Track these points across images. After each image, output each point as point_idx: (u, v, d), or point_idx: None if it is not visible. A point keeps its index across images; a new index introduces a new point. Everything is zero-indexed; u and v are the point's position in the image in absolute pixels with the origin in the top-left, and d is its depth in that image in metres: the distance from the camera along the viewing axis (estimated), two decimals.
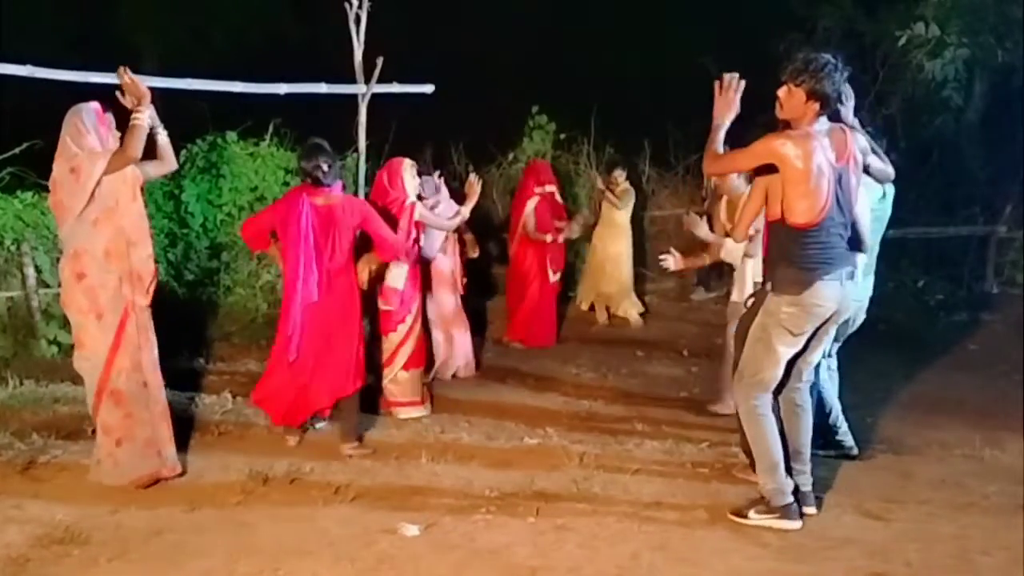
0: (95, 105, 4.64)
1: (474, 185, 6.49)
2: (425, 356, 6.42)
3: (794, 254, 4.17)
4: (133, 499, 4.55)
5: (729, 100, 4.26)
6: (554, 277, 8.34)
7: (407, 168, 6.12)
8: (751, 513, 4.37)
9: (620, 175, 9.02)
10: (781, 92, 4.16)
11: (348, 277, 5.40)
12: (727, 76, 4.26)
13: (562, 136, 10.33)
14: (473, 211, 6.57)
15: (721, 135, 4.30)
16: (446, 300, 7.00)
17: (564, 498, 4.69)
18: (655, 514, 4.48)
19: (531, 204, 8.17)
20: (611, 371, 7.47)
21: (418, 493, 4.75)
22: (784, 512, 4.33)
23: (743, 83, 4.24)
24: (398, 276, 6.03)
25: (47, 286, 7.06)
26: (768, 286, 4.28)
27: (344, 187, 5.95)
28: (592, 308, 9.22)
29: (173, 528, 4.28)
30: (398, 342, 6.10)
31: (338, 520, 4.39)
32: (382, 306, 6.11)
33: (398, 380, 6.12)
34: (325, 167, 5.26)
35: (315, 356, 5.33)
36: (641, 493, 4.76)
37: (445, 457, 5.27)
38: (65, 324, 7.00)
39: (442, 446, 5.47)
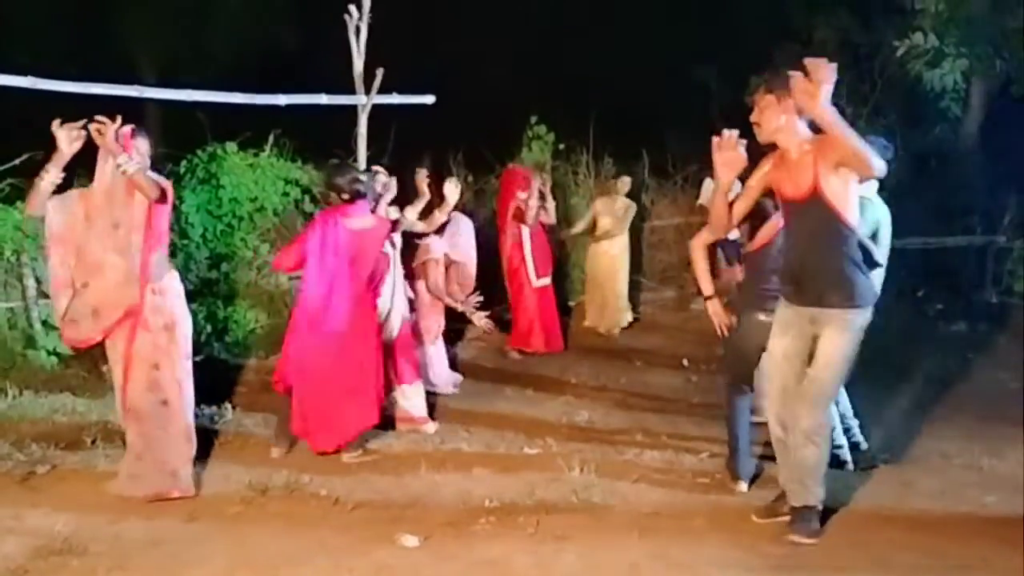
0: (124, 129, 4.56)
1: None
2: None
3: (859, 261, 4.11)
4: (132, 510, 4.55)
5: (731, 158, 4.13)
6: (538, 281, 8.31)
7: None
8: (817, 525, 4.30)
9: (621, 183, 9.24)
10: (753, 116, 4.14)
11: (371, 301, 5.46)
12: (725, 133, 4.14)
13: (561, 146, 10.36)
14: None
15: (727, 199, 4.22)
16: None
17: (564, 508, 4.68)
18: (655, 524, 4.46)
19: (522, 198, 8.22)
20: (610, 381, 7.47)
21: (417, 503, 4.74)
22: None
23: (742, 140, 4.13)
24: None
25: (47, 297, 7.05)
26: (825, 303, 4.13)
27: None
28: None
29: (172, 538, 4.27)
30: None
31: (337, 530, 4.38)
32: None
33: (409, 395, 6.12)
34: (364, 179, 5.38)
35: (342, 384, 5.31)
36: (641, 503, 4.76)
37: (444, 467, 5.26)
38: None
39: (441, 456, 5.47)
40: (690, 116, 10.21)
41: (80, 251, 4.60)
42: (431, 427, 6.00)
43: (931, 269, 10.40)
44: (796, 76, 3.71)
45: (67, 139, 4.49)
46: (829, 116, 3.71)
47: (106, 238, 4.58)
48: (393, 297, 5.98)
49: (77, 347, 4.94)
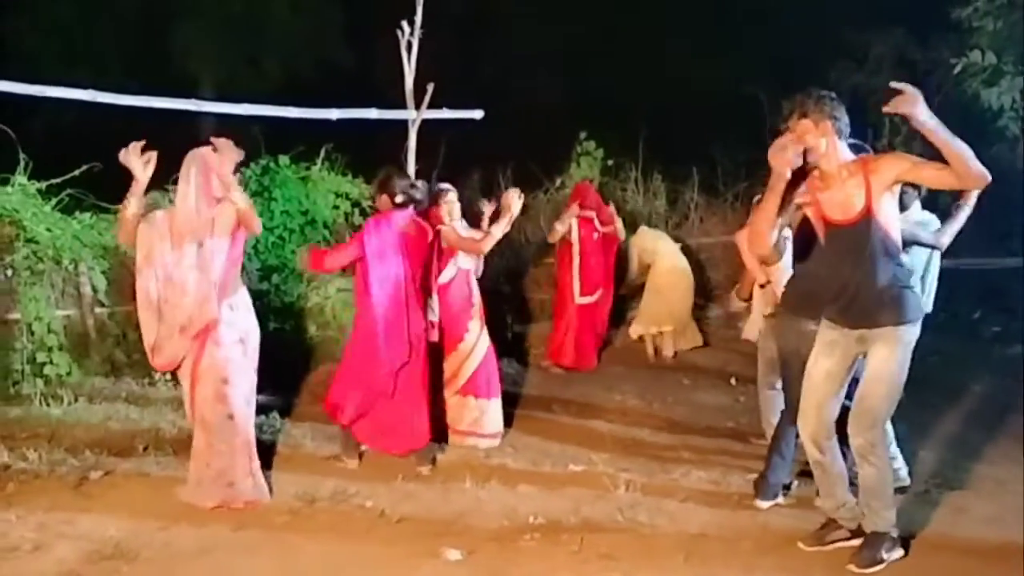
0: (203, 152, 4.65)
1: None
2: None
3: (907, 277, 4.11)
4: (182, 516, 4.61)
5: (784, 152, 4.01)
6: (582, 299, 8.31)
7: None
8: (884, 555, 4.18)
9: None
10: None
11: (423, 306, 5.52)
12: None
13: (610, 163, 10.34)
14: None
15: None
16: None
17: (609, 527, 4.65)
18: (702, 546, 4.41)
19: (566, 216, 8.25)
20: (657, 399, 7.41)
21: (462, 518, 4.74)
22: None
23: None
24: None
25: (103, 305, 7.20)
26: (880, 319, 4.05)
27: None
28: (641, 339, 9.14)
29: (221, 547, 4.32)
30: None
31: (382, 543, 4.40)
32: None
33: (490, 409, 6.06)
34: (420, 186, 5.51)
35: (415, 390, 5.37)
36: (688, 524, 4.70)
37: (489, 482, 5.26)
38: (118, 343, 7.15)
39: (487, 471, 5.46)
40: (740, 133, 10.15)
41: (166, 269, 4.66)
42: (488, 443, 5.95)
43: (987, 291, 10.20)
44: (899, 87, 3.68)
45: (139, 166, 4.55)
46: (933, 122, 3.68)
47: (191, 256, 4.64)
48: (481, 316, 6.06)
49: (167, 369, 5.03)
